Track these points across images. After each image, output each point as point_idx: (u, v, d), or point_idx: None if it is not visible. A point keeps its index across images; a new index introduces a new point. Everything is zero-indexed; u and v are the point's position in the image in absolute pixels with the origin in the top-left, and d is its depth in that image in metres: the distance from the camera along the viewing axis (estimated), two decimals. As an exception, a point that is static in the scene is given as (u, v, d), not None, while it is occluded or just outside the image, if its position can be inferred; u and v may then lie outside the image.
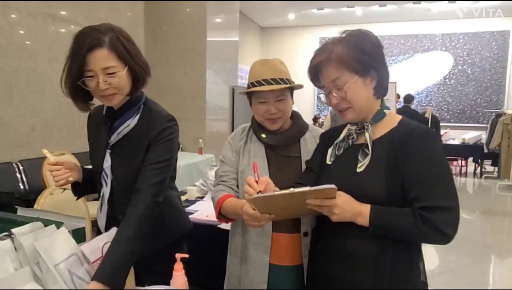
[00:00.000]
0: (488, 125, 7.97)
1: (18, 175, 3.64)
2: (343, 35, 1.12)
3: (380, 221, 1.03)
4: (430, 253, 4.06)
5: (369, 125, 1.13)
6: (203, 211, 2.13)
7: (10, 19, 3.60)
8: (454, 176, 6.60)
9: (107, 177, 1.26)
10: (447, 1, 8.51)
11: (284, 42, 11.50)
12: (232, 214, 1.29)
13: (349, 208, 1.03)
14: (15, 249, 1.00)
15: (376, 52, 1.10)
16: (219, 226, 1.91)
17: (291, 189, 1.01)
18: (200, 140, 4.87)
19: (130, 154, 1.24)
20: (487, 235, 4.78)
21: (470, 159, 8.45)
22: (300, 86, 1.39)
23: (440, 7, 9.04)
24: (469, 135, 8.36)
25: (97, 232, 1.38)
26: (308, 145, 1.40)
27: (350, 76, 1.07)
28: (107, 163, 1.26)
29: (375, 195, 1.05)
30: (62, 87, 1.20)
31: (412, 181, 1.03)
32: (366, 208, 1.04)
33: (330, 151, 1.22)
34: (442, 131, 8.18)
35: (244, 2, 7.84)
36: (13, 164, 3.64)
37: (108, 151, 1.27)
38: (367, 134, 1.12)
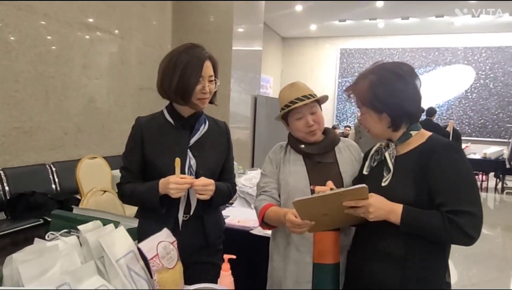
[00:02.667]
0: (511, 141, 7.84)
1: (51, 176, 3.81)
2: (377, 68, 1.24)
3: (411, 219, 1.12)
4: (451, 268, 4.02)
5: (393, 145, 1.25)
6: (234, 217, 2.21)
7: (49, 28, 3.80)
8: (476, 191, 6.35)
9: (192, 173, 1.43)
10: (470, 16, 8.47)
11: (305, 53, 11.60)
12: (275, 221, 1.41)
13: (382, 205, 1.14)
14: (80, 245, 1.10)
15: (400, 89, 1.19)
16: (251, 231, 1.99)
17: (328, 191, 1.14)
18: (223, 147, 4.97)
19: (210, 151, 1.50)
20: (508, 251, 4.71)
21: (491, 174, 8.31)
22: (326, 97, 1.55)
23: (463, 20, 9.00)
24: (491, 150, 8.24)
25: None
26: (342, 153, 1.53)
27: (367, 110, 1.23)
28: (192, 161, 1.44)
29: (403, 203, 1.15)
30: (163, 91, 1.43)
31: (438, 187, 1.13)
32: (398, 207, 1.14)
33: (366, 162, 1.36)
34: (463, 145, 8.08)
35: (268, 13, 7.98)
36: (47, 166, 3.82)
37: (189, 151, 1.44)
38: (386, 154, 1.25)
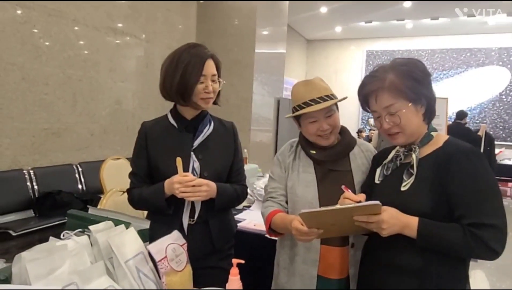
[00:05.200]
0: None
1: (77, 176, 3.93)
2: (394, 63, 1.18)
3: (428, 233, 1.05)
4: (481, 278, 3.84)
5: (417, 147, 1.17)
6: (250, 220, 2.19)
7: (77, 32, 3.93)
8: (508, 198, 6.15)
9: (196, 176, 1.41)
10: (505, 14, 8.11)
11: (329, 55, 11.46)
12: (282, 228, 1.34)
13: (396, 221, 1.06)
14: (91, 245, 1.11)
15: (426, 80, 1.16)
16: (267, 235, 1.97)
17: (337, 205, 1.06)
18: (245, 150, 4.97)
19: (215, 152, 1.48)
20: (545, 264, 4.44)
21: (527, 181, 7.92)
22: (344, 98, 1.43)
23: (497, 20, 8.63)
24: (527, 156, 7.86)
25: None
26: (357, 159, 1.42)
27: (403, 103, 1.13)
28: (196, 164, 1.42)
29: (420, 212, 1.08)
30: (165, 91, 1.42)
31: (458, 198, 1.06)
32: (414, 220, 1.07)
33: (378, 171, 1.27)
34: (496, 150, 7.73)
35: (292, 15, 7.95)
36: (73, 166, 3.94)
37: (193, 154, 1.43)
38: (414, 156, 1.16)
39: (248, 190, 2.70)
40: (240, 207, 2.52)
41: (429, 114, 1.18)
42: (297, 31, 10.66)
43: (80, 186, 3.90)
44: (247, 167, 4.77)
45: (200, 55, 1.37)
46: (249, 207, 2.56)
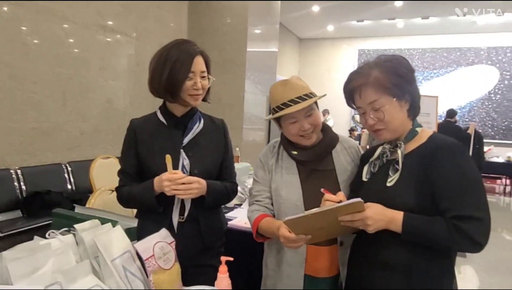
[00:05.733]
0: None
1: (66, 176, 3.89)
2: (378, 60, 1.19)
3: (413, 227, 1.06)
4: (471, 275, 3.89)
5: (402, 143, 1.18)
6: (241, 218, 2.18)
7: (67, 30, 3.88)
8: (497, 195, 6.24)
9: (186, 173, 1.39)
10: (494, 14, 8.20)
11: (322, 54, 11.48)
12: (269, 234, 1.32)
13: (381, 216, 1.07)
14: (77, 243, 1.10)
15: (410, 77, 1.17)
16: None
17: (321, 207, 1.05)
18: (237, 149, 4.97)
19: (205, 150, 1.46)
20: (533, 259, 4.51)
21: (516, 178, 8.01)
22: (323, 96, 1.41)
23: (486, 20, 8.72)
24: (515, 154, 7.95)
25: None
26: (340, 157, 1.41)
27: (387, 99, 1.14)
28: (186, 161, 1.41)
29: (406, 207, 1.09)
30: (153, 87, 1.40)
31: (442, 192, 1.06)
32: (399, 215, 1.07)
33: (365, 168, 1.27)
34: (485, 148, 7.81)
35: (284, 14, 7.94)
36: (62, 165, 3.89)
37: (182, 151, 1.41)
38: (399, 152, 1.17)
39: (240, 188, 2.71)
40: (231, 205, 2.51)
41: (413, 110, 1.19)
42: (290, 29, 10.66)
43: (69, 186, 3.86)
44: (239, 166, 4.77)
45: (189, 52, 1.36)
46: (240, 205, 2.55)
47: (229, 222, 2.13)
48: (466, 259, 4.06)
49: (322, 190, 1.18)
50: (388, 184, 1.15)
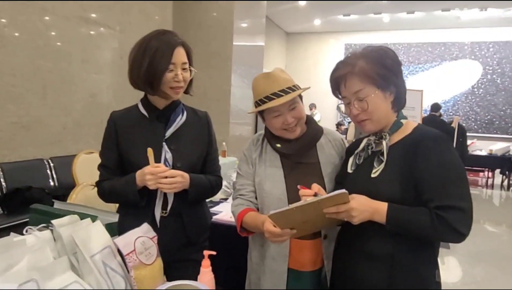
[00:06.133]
0: (518, 137, 7.71)
1: (49, 171, 3.80)
2: (365, 50, 1.18)
3: (396, 218, 1.06)
4: (455, 265, 3.96)
5: (387, 135, 1.18)
6: (227, 212, 2.16)
7: (47, 22, 3.78)
8: (480, 187, 6.37)
9: (168, 167, 1.36)
10: (478, 9, 8.32)
11: (309, 48, 11.49)
12: (253, 228, 1.31)
13: (365, 207, 1.07)
14: (54, 240, 1.06)
15: (396, 68, 1.16)
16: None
17: (305, 200, 1.04)
18: (224, 143, 4.93)
19: (188, 143, 1.43)
20: (514, 249, 4.62)
21: (497, 171, 8.18)
22: (307, 88, 1.38)
23: (470, 15, 8.85)
24: (497, 147, 8.11)
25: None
26: (325, 150, 1.39)
27: (372, 89, 1.13)
28: (168, 155, 1.37)
29: (390, 198, 1.09)
30: (133, 79, 1.36)
31: (425, 182, 1.07)
32: (383, 206, 1.08)
33: (350, 160, 1.27)
34: (468, 142, 7.96)
35: (271, 8, 7.90)
36: (45, 161, 3.80)
37: (165, 144, 1.38)
38: (384, 143, 1.17)
39: (226, 183, 2.69)
40: (217, 199, 2.49)
41: (398, 102, 1.18)
42: (277, 24, 10.62)
43: (52, 182, 3.78)
44: (225, 160, 4.75)
45: (169, 42, 1.32)
46: (226, 199, 2.53)
47: (214, 217, 2.11)
48: (449, 250, 4.13)
49: (298, 186, 1.17)
50: (373, 175, 1.15)
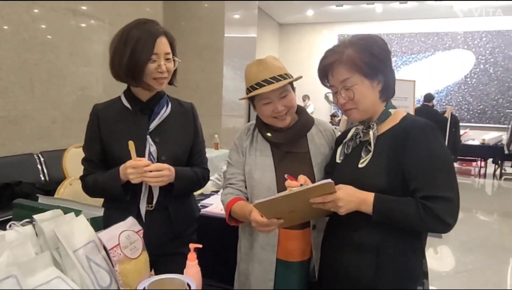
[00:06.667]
0: (510, 126, 7.75)
1: (39, 166, 3.74)
2: (354, 38, 1.16)
3: (383, 208, 1.06)
4: (447, 254, 4.00)
5: (375, 124, 1.16)
6: (217, 205, 2.14)
7: (33, 14, 3.69)
8: (472, 177, 6.41)
9: (153, 160, 1.34)
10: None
11: (302, 39, 11.43)
12: (241, 217, 1.31)
13: (352, 198, 1.06)
14: (36, 235, 1.04)
15: (384, 57, 1.14)
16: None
17: (290, 189, 1.03)
18: (216, 136, 4.91)
19: (173, 135, 1.40)
20: (505, 237, 4.66)
21: (490, 160, 8.24)
22: (299, 78, 1.37)
23: (463, 4, 8.83)
24: (490, 136, 8.16)
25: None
26: (315, 140, 1.39)
27: (359, 78, 1.12)
28: (152, 148, 1.34)
29: (377, 188, 1.08)
30: (114, 71, 1.32)
31: (412, 172, 1.06)
32: (370, 196, 1.07)
33: (339, 150, 1.26)
34: (461, 131, 8.00)
35: (262, -2, 7.84)
36: (34, 155, 3.75)
37: (149, 137, 1.35)
38: (371, 133, 1.15)
39: (218, 175, 2.67)
40: (208, 191, 2.48)
41: (386, 92, 1.17)
42: (269, 14, 10.54)
43: (42, 177, 3.72)
44: (218, 153, 4.73)
45: (151, 32, 1.28)
46: (217, 192, 2.52)
47: (205, 209, 2.09)
48: (441, 239, 4.16)
49: (285, 175, 1.16)
50: (360, 165, 1.14)
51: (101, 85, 4.57)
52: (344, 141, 1.26)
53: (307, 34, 11.39)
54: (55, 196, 1.88)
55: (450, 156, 1.09)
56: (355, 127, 1.24)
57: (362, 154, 1.15)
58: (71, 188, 1.98)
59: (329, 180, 1.00)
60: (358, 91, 1.12)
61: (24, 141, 3.69)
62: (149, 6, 5.35)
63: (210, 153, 4.56)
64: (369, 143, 1.14)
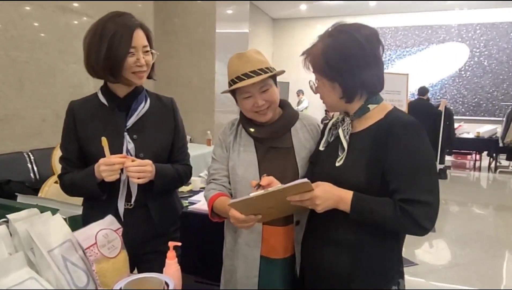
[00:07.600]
0: (504, 119, 7.76)
1: (29, 165, 3.70)
2: (334, 31, 1.10)
3: (361, 207, 1.03)
4: (442, 248, 4.00)
5: (348, 119, 1.13)
6: (204, 202, 2.12)
7: (22, 11, 3.64)
8: (467, 171, 6.43)
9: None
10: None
11: (296, 34, 11.36)
12: (223, 213, 1.29)
13: (330, 195, 1.04)
14: (10, 235, 1.01)
15: (355, 57, 1.05)
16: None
17: (266, 189, 1.02)
18: (209, 132, 4.88)
19: (152, 132, 1.37)
20: (500, 230, 4.68)
21: (485, 153, 8.26)
22: (282, 72, 1.35)
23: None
24: (484, 129, 8.17)
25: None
26: (299, 134, 1.36)
27: (319, 77, 1.10)
28: (130, 145, 1.31)
29: (354, 187, 1.06)
30: (91, 67, 1.27)
31: (392, 172, 1.03)
32: (348, 194, 1.04)
33: (324, 136, 1.23)
34: (456, 125, 8.00)
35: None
36: (24, 154, 3.71)
37: (126, 134, 1.31)
38: (340, 130, 1.13)
39: (205, 171, 2.65)
40: (196, 188, 2.47)
41: (348, 94, 1.09)
42: (262, 9, 10.47)
43: (32, 175, 3.69)
44: (210, 149, 4.70)
45: (127, 25, 1.25)
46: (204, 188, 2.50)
47: (192, 206, 2.07)
48: (437, 233, 4.17)
49: (264, 175, 1.16)
50: (337, 164, 1.11)
51: (92, 83, 4.51)
52: (328, 126, 1.23)
53: (300, 29, 11.32)
54: (39, 194, 1.85)
55: (432, 156, 1.06)
56: (338, 115, 1.22)
57: (339, 152, 1.13)
58: (55, 186, 1.95)
59: (305, 179, 0.98)
60: (319, 89, 1.13)
61: (14, 140, 3.66)
62: (140, 2, 5.29)
63: (202, 149, 4.56)
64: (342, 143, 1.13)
